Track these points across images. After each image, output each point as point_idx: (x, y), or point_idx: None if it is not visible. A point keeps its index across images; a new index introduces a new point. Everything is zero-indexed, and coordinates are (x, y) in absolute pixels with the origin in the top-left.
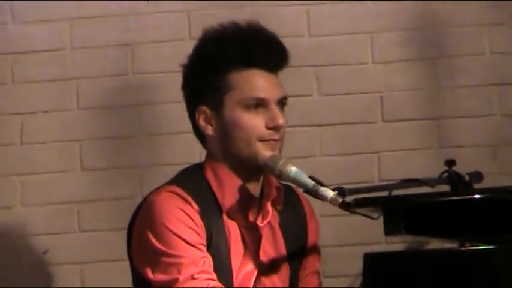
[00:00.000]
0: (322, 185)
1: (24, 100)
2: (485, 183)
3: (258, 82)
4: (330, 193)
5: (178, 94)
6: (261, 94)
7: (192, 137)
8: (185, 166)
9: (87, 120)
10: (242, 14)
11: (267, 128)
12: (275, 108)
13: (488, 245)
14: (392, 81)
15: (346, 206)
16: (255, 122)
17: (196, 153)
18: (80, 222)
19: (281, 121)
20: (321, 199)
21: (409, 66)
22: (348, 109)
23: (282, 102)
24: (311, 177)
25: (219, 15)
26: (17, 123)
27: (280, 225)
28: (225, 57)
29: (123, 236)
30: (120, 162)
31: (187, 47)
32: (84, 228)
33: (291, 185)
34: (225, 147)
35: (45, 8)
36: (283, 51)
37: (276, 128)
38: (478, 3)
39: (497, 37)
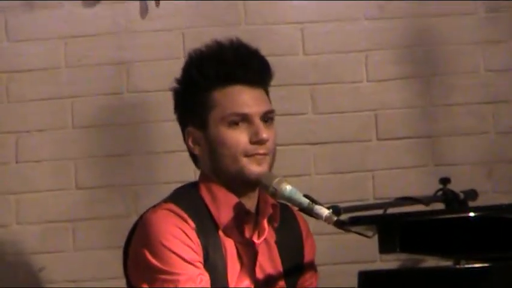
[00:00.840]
0: (316, 203)
1: (19, 118)
2: (480, 201)
3: (239, 98)
4: (325, 211)
5: (172, 112)
6: (243, 109)
7: (186, 155)
8: (180, 184)
9: (82, 138)
10: (236, 32)
11: (251, 142)
12: (258, 123)
13: (484, 263)
14: (387, 99)
15: (341, 224)
16: (239, 138)
17: (191, 171)
18: (75, 240)
19: (264, 135)
20: (315, 217)
21: (403, 84)
22: (342, 127)
23: (267, 117)
24: (306, 196)
25: (214, 34)
26: (12, 142)
27: (277, 242)
28: (205, 76)
29: (118, 254)
30: (114, 180)
31: (182, 65)
32: (79, 246)
33: (288, 203)
34: (214, 165)
35: (40, 26)
36: (264, 65)
37: (260, 142)
38: (472, 21)
39: (492, 55)
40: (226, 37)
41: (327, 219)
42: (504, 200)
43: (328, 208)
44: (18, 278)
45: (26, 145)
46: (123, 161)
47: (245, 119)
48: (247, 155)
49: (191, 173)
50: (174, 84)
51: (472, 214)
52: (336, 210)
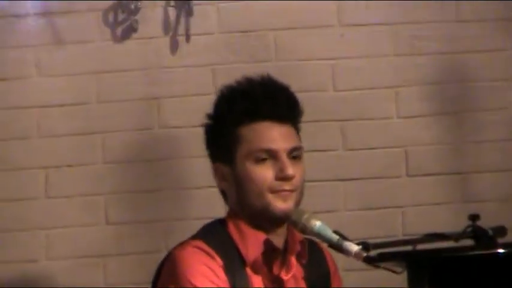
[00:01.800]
0: (346, 239)
1: (50, 153)
2: (510, 238)
3: (266, 134)
4: (354, 247)
5: (203, 148)
6: (269, 145)
7: (215, 192)
8: (209, 220)
9: (112, 174)
10: (267, 68)
11: (277, 179)
12: (285, 159)
13: None
14: (417, 136)
15: (370, 261)
16: (264, 174)
17: (220, 207)
18: (105, 276)
19: (290, 171)
20: (345, 254)
21: (433, 121)
22: (372, 163)
23: (294, 153)
24: (335, 232)
25: (244, 69)
26: (42, 177)
27: (305, 278)
28: (232, 111)
29: None
30: (144, 216)
31: (212, 101)
32: (110, 282)
33: (315, 239)
34: (240, 201)
35: (71, 62)
36: (292, 101)
37: (285, 179)
38: (503, 57)
39: None
40: (257, 73)
41: (357, 256)
42: None
43: (357, 244)
44: None
45: (56, 180)
46: (153, 197)
47: (271, 155)
48: (273, 191)
49: (221, 209)
50: (205, 120)
51: (501, 250)
52: (365, 246)
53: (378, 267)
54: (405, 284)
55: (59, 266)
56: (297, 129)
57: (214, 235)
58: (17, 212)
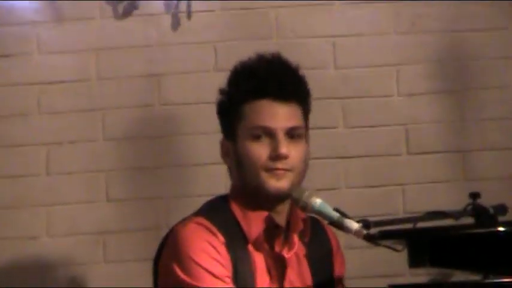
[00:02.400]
0: (347, 217)
1: (50, 131)
2: (510, 216)
3: (266, 111)
4: (355, 225)
5: (204, 125)
6: (266, 123)
7: (217, 168)
8: (211, 197)
9: (113, 151)
10: (268, 46)
11: (270, 157)
12: (281, 138)
13: None
14: (418, 114)
15: (370, 238)
16: (259, 152)
17: (221, 184)
18: (105, 253)
19: (283, 150)
20: (345, 231)
21: (434, 99)
22: (373, 141)
23: (293, 133)
24: (336, 210)
25: (245, 47)
26: (43, 154)
27: (307, 257)
28: (238, 89)
29: (148, 266)
30: (145, 193)
31: (213, 79)
32: (110, 259)
33: (318, 217)
34: (239, 178)
35: (71, 39)
36: (298, 81)
37: (278, 157)
38: (504, 35)
39: None
40: (265, 51)
41: (357, 233)
42: None
43: (358, 222)
44: None
45: (56, 157)
46: (154, 174)
47: (268, 133)
48: (267, 169)
49: (222, 186)
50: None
51: (501, 229)
52: (366, 224)
53: (378, 245)
54: (406, 261)
55: (60, 243)
56: (305, 110)
57: (217, 212)
58: (18, 189)
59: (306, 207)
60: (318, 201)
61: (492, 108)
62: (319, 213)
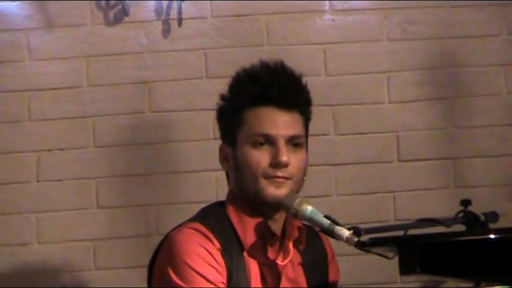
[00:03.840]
0: (337, 224)
1: (41, 137)
2: (501, 223)
3: (266, 119)
4: (346, 232)
5: (194, 132)
6: (267, 130)
7: (208, 175)
8: (201, 204)
9: (103, 157)
10: (259, 53)
11: (271, 165)
12: (281, 146)
13: (504, 285)
14: (409, 121)
15: (361, 246)
16: (259, 158)
17: (212, 191)
18: (96, 260)
19: (284, 158)
20: (336, 238)
21: (425, 106)
22: (364, 148)
23: (294, 141)
24: (327, 217)
25: (236, 54)
26: (34, 161)
27: (303, 265)
28: (239, 94)
29: (139, 273)
30: (136, 200)
31: (204, 85)
32: (100, 265)
33: (308, 223)
34: (239, 184)
35: (62, 45)
36: (299, 88)
37: (278, 165)
38: (495, 42)
39: None
40: (256, 58)
41: (348, 240)
42: None
43: (349, 229)
44: None
45: (47, 164)
46: (145, 181)
47: (269, 140)
48: (266, 177)
49: (212, 193)
50: (218, 100)
51: (492, 236)
52: (357, 231)
53: (369, 252)
54: (397, 269)
55: (50, 249)
56: (306, 118)
57: (213, 218)
58: (8, 195)
59: (296, 214)
60: (309, 208)
61: (483, 116)
62: (310, 220)
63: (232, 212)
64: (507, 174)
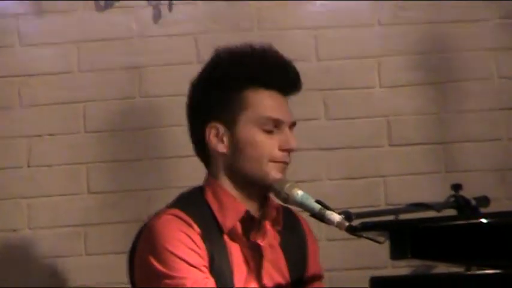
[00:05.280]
0: (328, 209)
1: (32, 123)
2: (492, 208)
3: (275, 103)
4: (337, 217)
5: (185, 117)
6: (278, 116)
7: (198, 160)
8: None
9: (94, 143)
10: (249, 37)
11: (280, 149)
12: (288, 131)
13: (495, 270)
14: (400, 106)
15: (352, 230)
16: (269, 143)
17: (202, 175)
18: (86, 245)
19: (295, 145)
20: (327, 223)
21: (416, 91)
22: (355, 133)
23: (292, 127)
24: (317, 201)
25: (226, 39)
26: (24, 146)
27: (281, 245)
28: (243, 75)
29: None
30: (127, 185)
31: (195, 71)
32: (91, 251)
33: (289, 206)
34: (234, 165)
35: (52, 31)
36: (298, 77)
37: (289, 151)
38: (486, 27)
39: (505, 62)
40: (248, 42)
41: (339, 225)
42: None
43: (339, 214)
44: (29, 283)
45: (38, 149)
46: (135, 166)
47: (277, 125)
48: (274, 160)
49: (202, 177)
50: (203, 75)
51: (483, 220)
52: (348, 215)
53: (360, 236)
54: (388, 253)
55: (41, 235)
56: None
57: (192, 203)
58: None
59: (287, 199)
60: (299, 193)
61: (474, 100)
62: (301, 204)
63: (211, 197)
64: (498, 159)
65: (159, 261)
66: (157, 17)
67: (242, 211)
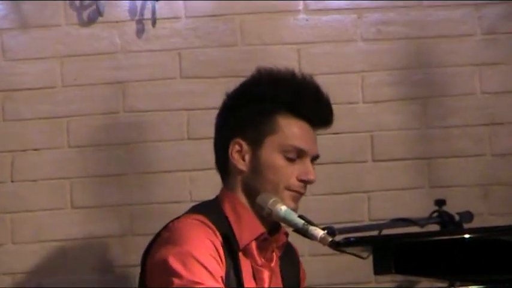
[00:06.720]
0: (312, 224)
1: (15, 137)
2: (476, 223)
3: (302, 133)
4: (320, 232)
5: (168, 132)
6: (304, 146)
7: (182, 175)
8: (176, 205)
9: (77, 158)
10: (233, 53)
11: (298, 179)
12: (310, 163)
13: (478, 285)
14: (383, 121)
15: (335, 246)
16: (289, 170)
17: (186, 191)
18: (69, 261)
19: (314, 177)
20: (310, 238)
21: (399, 106)
22: (338, 148)
23: (314, 160)
24: (301, 217)
25: (210, 54)
26: (8, 161)
27: (280, 271)
28: (278, 99)
29: (112, 275)
30: (110, 200)
31: (178, 86)
32: (72, 267)
33: (282, 223)
34: (250, 184)
35: (36, 46)
36: (331, 113)
37: (308, 182)
38: (469, 43)
39: (489, 77)
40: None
41: (322, 240)
42: (500, 222)
43: (323, 229)
44: None
45: (21, 164)
46: (119, 181)
47: (300, 155)
48: (290, 189)
49: (187, 193)
50: (232, 92)
51: (467, 236)
52: (331, 231)
53: (343, 252)
54: (371, 269)
55: (24, 250)
56: None
57: (213, 212)
58: None
59: (270, 214)
60: (283, 209)
61: (457, 116)
62: (284, 220)
63: (229, 211)
64: (481, 174)
65: (181, 263)
66: (141, 32)
67: (259, 231)
